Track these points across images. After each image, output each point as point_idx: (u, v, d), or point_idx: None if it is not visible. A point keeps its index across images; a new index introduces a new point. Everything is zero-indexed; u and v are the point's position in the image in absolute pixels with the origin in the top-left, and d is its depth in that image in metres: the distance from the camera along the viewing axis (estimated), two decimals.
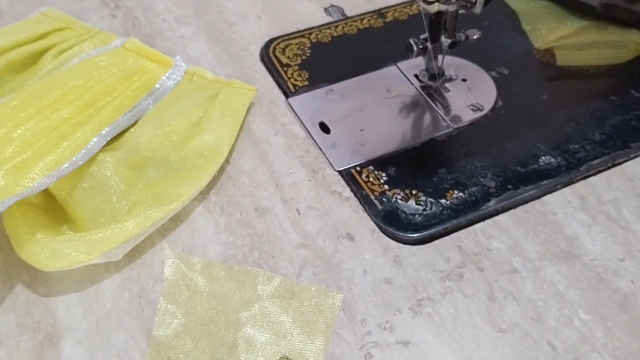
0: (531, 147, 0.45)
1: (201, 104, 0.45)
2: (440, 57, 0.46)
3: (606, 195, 0.43)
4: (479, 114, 0.47)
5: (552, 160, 0.44)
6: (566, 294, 0.37)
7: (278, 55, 0.51)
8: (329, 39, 0.53)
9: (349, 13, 0.56)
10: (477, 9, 0.40)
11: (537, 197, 0.42)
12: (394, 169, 0.44)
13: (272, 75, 0.50)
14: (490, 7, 0.41)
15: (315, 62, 0.51)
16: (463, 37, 0.45)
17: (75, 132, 0.40)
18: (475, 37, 0.45)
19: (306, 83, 0.49)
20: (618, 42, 0.52)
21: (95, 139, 0.40)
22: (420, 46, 0.45)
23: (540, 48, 0.53)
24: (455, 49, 0.45)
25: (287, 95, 0.48)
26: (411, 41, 0.45)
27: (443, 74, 0.47)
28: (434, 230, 0.40)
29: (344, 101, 0.48)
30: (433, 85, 0.48)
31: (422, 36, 0.45)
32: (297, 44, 0.52)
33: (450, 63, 0.49)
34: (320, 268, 0.38)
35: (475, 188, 0.42)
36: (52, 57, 0.47)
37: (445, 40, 0.44)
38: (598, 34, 0.52)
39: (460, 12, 0.42)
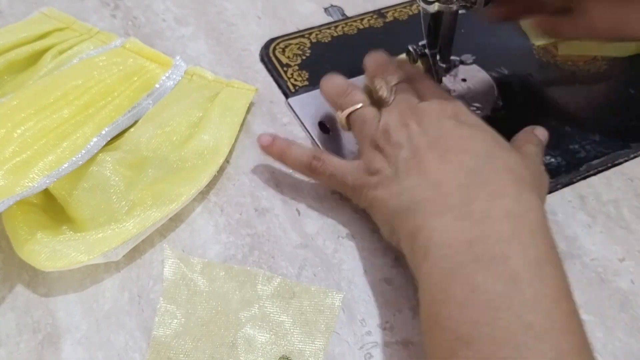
0: None
1: (201, 104, 0.45)
2: (439, 63, 0.46)
3: (606, 195, 0.43)
4: (478, 114, 0.47)
5: (552, 160, 0.44)
6: None
7: (278, 55, 0.51)
8: (329, 39, 0.53)
9: (349, 13, 0.56)
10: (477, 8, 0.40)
11: None
12: None
13: (272, 76, 0.50)
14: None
15: (315, 62, 0.51)
16: (458, 62, 0.46)
17: (75, 132, 0.40)
18: (469, 62, 0.47)
19: (306, 83, 0.49)
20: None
21: (95, 139, 0.40)
22: (419, 52, 0.45)
23: (539, 44, 0.53)
24: (453, 57, 0.46)
25: (287, 95, 0.48)
26: (410, 48, 0.45)
27: (441, 82, 0.47)
28: None
29: None
30: None
31: (421, 43, 0.45)
32: (297, 44, 0.52)
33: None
34: (320, 268, 0.38)
35: None
36: (52, 57, 0.47)
37: (440, 66, 0.45)
38: None
39: (460, 12, 0.42)
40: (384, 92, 0.39)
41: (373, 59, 0.43)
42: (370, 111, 0.39)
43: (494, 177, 0.32)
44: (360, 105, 0.40)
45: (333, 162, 0.39)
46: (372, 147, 0.38)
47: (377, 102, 0.40)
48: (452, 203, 0.31)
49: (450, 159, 0.34)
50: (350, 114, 0.40)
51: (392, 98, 0.39)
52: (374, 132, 0.38)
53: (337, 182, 0.39)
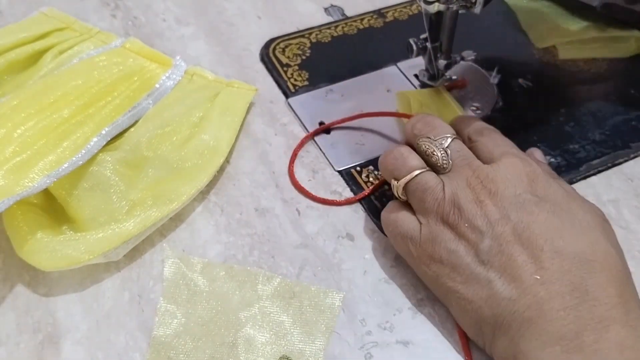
0: (531, 147, 0.45)
1: (201, 104, 0.45)
2: (440, 59, 0.46)
3: (606, 195, 0.43)
4: (479, 115, 0.47)
5: (552, 160, 0.44)
6: None
7: (278, 55, 0.51)
8: (329, 39, 0.53)
9: (349, 13, 0.56)
10: (477, 9, 0.40)
11: None
12: None
13: (272, 75, 0.50)
14: (490, 6, 0.41)
15: (315, 62, 0.51)
16: (459, 59, 0.46)
17: (75, 132, 0.40)
18: (470, 58, 0.46)
19: (306, 83, 0.49)
20: (619, 38, 0.52)
21: (95, 139, 0.40)
22: (420, 46, 0.45)
23: (540, 47, 0.53)
24: (454, 55, 0.46)
25: (287, 95, 0.48)
26: (411, 41, 0.45)
27: (443, 74, 0.47)
28: None
29: (344, 101, 0.48)
30: (433, 85, 0.48)
31: (422, 36, 0.45)
32: (297, 44, 0.52)
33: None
34: (320, 268, 0.38)
35: None
36: (52, 57, 0.47)
37: (441, 62, 0.45)
38: (598, 34, 0.52)
39: (460, 12, 0.42)
40: (438, 160, 0.35)
41: (416, 121, 0.39)
42: (430, 177, 0.35)
43: (599, 295, 0.29)
44: (417, 173, 0.35)
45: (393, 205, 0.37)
46: (439, 221, 0.34)
47: (432, 166, 0.36)
48: (560, 333, 0.29)
49: (546, 263, 0.30)
50: (407, 182, 0.35)
51: (450, 163, 0.35)
52: (440, 203, 0.33)
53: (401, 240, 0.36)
